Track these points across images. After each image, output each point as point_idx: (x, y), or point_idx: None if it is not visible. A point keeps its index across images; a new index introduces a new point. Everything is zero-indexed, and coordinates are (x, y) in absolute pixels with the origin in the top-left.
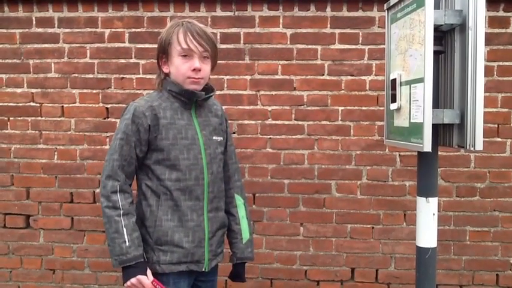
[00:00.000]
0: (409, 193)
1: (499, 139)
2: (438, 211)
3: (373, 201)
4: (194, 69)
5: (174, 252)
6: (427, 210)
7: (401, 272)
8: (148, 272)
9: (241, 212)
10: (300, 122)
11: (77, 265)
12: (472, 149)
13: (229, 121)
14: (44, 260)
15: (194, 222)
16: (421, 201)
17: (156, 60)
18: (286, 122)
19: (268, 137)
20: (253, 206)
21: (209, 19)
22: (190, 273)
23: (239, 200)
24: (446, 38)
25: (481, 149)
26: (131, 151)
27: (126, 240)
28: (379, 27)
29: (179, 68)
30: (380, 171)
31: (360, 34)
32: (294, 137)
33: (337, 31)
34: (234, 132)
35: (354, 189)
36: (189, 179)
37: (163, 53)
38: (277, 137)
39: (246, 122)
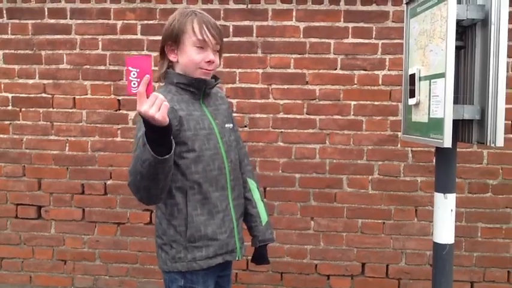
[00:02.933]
0: (420, 189)
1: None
2: None
3: (385, 196)
4: (208, 61)
5: (210, 246)
6: (445, 206)
7: (412, 268)
8: None
9: (256, 195)
10: (312, 116)
11: (88, 256)
12: (492, 145)
13: (240, 114)
14: (55, 251)
15: (223, 213)
16: (438, 197)
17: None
18: (298, 116)
19: (280, 130)
20: (264, 199)
21: (222, 12)
22: (216, 269)
23: (252, 184)
24: (467, 33)
25: (502, 145)
26: None
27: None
28: (393, 21)
29: (193, 57)
30: (392, 166)
31: (374, 28)
32: (305, 131)
33: (350, 25)
34: (245, 126)
35: (365, 184)
36: (214, 169)
37: (174, 40)
38: (289, 131)
39: (257, 115)
